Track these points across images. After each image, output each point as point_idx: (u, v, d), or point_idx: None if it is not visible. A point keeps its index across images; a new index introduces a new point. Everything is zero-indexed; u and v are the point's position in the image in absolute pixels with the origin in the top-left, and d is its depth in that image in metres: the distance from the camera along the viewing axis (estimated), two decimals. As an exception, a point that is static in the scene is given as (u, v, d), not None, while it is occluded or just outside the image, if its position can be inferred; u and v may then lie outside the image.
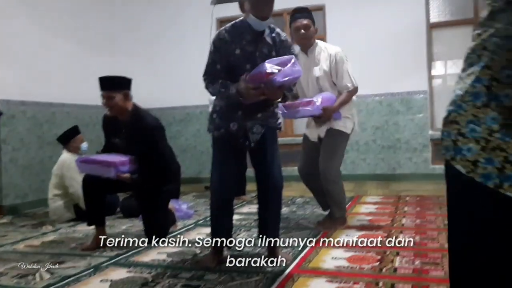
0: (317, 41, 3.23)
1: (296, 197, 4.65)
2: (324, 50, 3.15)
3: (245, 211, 4.09)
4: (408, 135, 5.62)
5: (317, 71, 3.12)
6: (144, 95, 6.37)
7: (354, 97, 3.21)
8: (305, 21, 3.09)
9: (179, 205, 3.82)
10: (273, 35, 2.43)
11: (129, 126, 2.95)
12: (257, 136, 2.41)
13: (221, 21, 6.44)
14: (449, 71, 5.80)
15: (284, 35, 2.48)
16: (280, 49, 2.39)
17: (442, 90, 5.74)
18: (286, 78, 2.11)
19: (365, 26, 5.61)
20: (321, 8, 5.97)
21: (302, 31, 3.08)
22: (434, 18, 5.62)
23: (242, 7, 2.34)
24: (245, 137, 2.40)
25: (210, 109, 3.08)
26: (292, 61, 2.16)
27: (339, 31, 5.75)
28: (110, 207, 3.86)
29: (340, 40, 5.71)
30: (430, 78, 5.67)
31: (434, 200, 4.13)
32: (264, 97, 2.23)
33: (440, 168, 5.45)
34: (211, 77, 2.33)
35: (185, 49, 6.36)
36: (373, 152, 5.73)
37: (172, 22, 6.44)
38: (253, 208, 4.16)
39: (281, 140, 5.96)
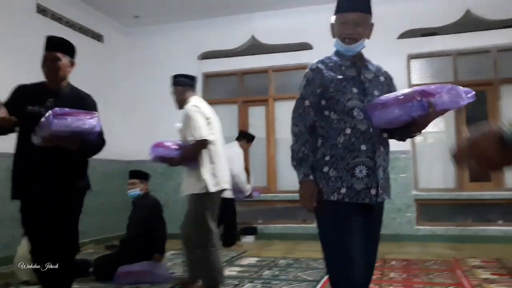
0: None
1: (278, 258, 4.48)
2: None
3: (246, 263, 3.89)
4: (392, 195, 5.55)
5: (179, 124, 3.18)
6: (125, 148, 6.29)
7: (216, 150, 3.13)
8: None
9: (156, 268, 3.63)
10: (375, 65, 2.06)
11: (65, 96, 2.50)
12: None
13: (207, 76, 6.50)
14: (429, 129, 5.87)
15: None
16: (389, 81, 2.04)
17: (424, 149, 5.78)
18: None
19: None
20: (305, 67, 6.05)
21: None
22: (415, 80, 5.75)
23: (332, 32, 2.03)
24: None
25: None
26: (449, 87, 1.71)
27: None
28: (83, 267, 3.64)
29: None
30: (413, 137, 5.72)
31: (420, 265, 4.02)
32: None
33: (424, 229, 5.37)
34: (297, 114, 1.93)
35: (169, 103, 6.34)
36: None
37: (157, 75, 6.46)
38: (252, 260, 4.02)
39: (263, 196, 5.90)
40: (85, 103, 2.48)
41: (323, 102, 1.90)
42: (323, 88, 1.90)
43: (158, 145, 3.23)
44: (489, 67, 5.50)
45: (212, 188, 3.04)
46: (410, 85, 5.65)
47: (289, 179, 6.17)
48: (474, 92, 1.72)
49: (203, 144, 3.04)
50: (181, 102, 3.27)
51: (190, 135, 3.03)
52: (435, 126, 5.85)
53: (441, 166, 5.64)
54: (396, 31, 5.67)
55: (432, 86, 1.72)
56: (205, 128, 3.06)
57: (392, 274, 3.68)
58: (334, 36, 2.01)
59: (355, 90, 1.89)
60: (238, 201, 5.35)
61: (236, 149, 5.46)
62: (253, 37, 6.21)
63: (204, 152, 3.08)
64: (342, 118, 1.85)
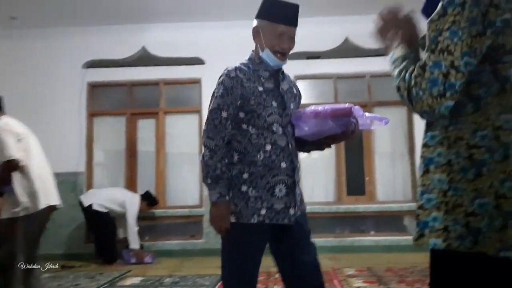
0: None
1: (164, 276, 4.35)
2: None
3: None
4: (278, 209, 5.77)
5: None
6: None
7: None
8: None
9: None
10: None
11: None
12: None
13: (92, 86, 6.16)
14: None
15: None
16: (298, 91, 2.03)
17: (308, 165, 6.11)
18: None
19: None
20: (197, 81, 6.08)
21: None
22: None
23: (256, 36, 1.90)
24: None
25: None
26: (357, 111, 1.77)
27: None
28: None
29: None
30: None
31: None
32: None
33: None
34: (212, 126, 1.76)
35: (54, 113, 5.89)
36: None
37: (42, 84, 5.96)
38: (136, 280, 3.81)
39: (150, 212, 5.71)
40: None
41: (241, 115, 1.78)
42: (243, 99, 1.77)
43: None
44: (364, 90, 6.05)
45: (31, 209, 2.85)
46: (296, 104, 5.96)
47: (178, 195, 6.09)
48: (388, 120, 1.85)
49: (12, 165, 2.82)
50: None
51: (1, 156, 2.81)
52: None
53: (323, 181, 6.01)
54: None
55: (356, 107, 1.77)
56: (15, 147, 2.85)
57: (276, 287, 3.80)
58: (261, 43, 1.86)
59: (274, 103, 1.81)
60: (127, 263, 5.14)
61: (135, 200, 5.34)
62: (144, 48, 6.05)
63: (18, 172, 2.87)
64: (262, 133, 1.77)
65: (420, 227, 1.01)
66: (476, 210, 0.92)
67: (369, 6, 5.38)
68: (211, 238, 5.65)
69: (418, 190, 1.05)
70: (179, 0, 5.31)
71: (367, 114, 1.83)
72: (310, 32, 5.82)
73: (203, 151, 1.78)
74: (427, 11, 1.13)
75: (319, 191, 6.00)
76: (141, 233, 5.71)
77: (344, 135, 1.77)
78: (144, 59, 6.12)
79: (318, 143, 1.88)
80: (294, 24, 1.83)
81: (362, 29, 5.58)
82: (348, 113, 1.72)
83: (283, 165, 1.77)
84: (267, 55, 1.84)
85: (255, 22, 1.88)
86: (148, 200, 5.49)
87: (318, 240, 6.35)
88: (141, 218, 5.57)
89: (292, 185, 1.80)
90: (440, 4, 0.98)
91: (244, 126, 1.78)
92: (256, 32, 1.88)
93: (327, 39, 5.89)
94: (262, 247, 1.80)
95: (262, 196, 1.74)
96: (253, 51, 1.94)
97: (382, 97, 5.97)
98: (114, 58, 6.05)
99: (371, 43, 6.65)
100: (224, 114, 1.76)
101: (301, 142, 1.87)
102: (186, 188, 6.10)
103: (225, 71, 1.84)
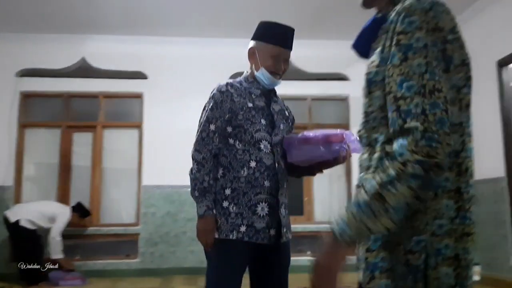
0: None
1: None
2: None
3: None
4: (217, 228, 5.72)
5: None
6: None
7: None
8: None
9: None
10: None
11: None
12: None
13: (26, 95, 5.84)
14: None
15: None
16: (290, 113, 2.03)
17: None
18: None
19: (183, 118, 5.74)
20: (139, 96, 5.96)
21: None
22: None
23: (251, 57, 1.91)
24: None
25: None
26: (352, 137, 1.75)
27: (156, 120, 5.78)
28: None
29: (157, 129, 5.75)
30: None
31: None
32: None
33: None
34: (200, 139, 1.79)
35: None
36: (183, 244, 5.62)
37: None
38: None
39: (83, 230, 5.44)
40: None
41: (229, 129, 1.79)
42: (232, 114, 1.78)
43: None
44: (304, 113, 6.21)
45: None
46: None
47: (113, 212, 5.86)
48: None
49: None
50: None
51: None
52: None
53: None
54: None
55: (347, 132, 1.76)
56: None
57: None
58: (256, 63, 1.88)
59: (263, 121, 1.82)
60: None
61: (66, 211, 5.08)
62: (84, 59, 5.85)
63: None
64: (248, 149, 1.76)
65: None
66: None
67: (313, 31, 5.59)
68: (146, 258, 5.47)
69: None
70: (124, 13, 5.21)
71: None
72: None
73: (191, 165, 1.79)
74: (358, 47, 1.15)
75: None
76: (71, 252, 5.43)
77: (336, 161, 1.77)
78: (84, 70, 5.91)
79: (309, 169, 1.88)
80: (290, 47, 1.87)
81: (304, 53, 5.80)
82: (340, 139, 1.72)
83: (267, 183, 1.75)
84: (262, 74, 1.86)
85: (251, 43, 1.91)
86: (80, 211, 5.23)
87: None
88: (71, 235, 5.30)
89: (276, 205, 1.77)
90: (394, 49, 0.97)
91: (231, 140, 1.79)
92: (252, 53, 1.90)
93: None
94: (241, 265, 1.76)
95: (243, 213, 1.72)
96: (247, 71, 1.95)
97: (321, 120, 6.15)
98: (51, 67, 5.79)
99: (313, 67, 6.86)
100: (212, 127, 1.77)
101: (293, 167, 1.87)
102: (122, 205, 5.90)
103: (217, 85, 1.85)
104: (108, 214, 5.83)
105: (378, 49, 1.03)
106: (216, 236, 1.73)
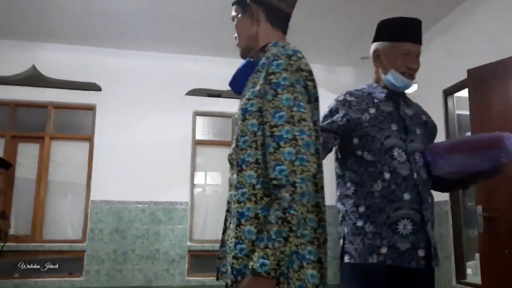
0: None
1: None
2: None
3: None
4: (167, 246, 5.60)
5: None
6: None
7: None
8: None
9: None
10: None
11: None
12: None
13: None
14: (208, 182, 6.28)
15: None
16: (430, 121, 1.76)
17: (200, 201, 6.05)
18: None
19: (136, 132, 5.65)
20: (92, 108, 5.79)
21: None
22: (198, 136, 6.09)
23: (376, 60, 1.72)
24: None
25: None
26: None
27: (108, 134, 5.63)
28: None
29: (109, 142, 5.60)
30: (192, 189, 5.94)
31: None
32: None
33: (195, 280, 5.53)
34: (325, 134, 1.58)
35: None
36: (130, 262, 5.45)
37: None
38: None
39: (25, 246, 5.15)
40: None
41: (355, 141, 1.59)
42: (354, 122, 1.59)
43: None
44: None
45: None
46: (194, 140, 5.95)
47: (58, 228, 5.60)
48: None
49: None
50: None
51: None
52: (214, 179, 6.25)
53: (216, 218, 5.98)
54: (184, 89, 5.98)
55: (506, 134, 1.47)
56: None
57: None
58: (383, 66, 1.68)
59: (394, 127, 1.60)
60: None
61: None
62: (34, 67, 5.63)
63: None
64: (379, 159, 1.54)
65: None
66: None
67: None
68: (91, 276, 5.25)
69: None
70: (78, 22, 5.07)
71: None
72: (212, 71, 5.94)
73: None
74: (235, 86, 1.39)
75: (210, 229, 5.95)
76: (9, 270, 5.12)
77: (495, 171, 1.45)
78: (33, 78, 5.68)
79: (460, 181, 1.61)
80: (419, 41, 1.67)
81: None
82: (496, 143, 1.42)
83: (406, 196, 1.50)
84: (392, 76, 1.65)
85: (373, 47, 1.73)
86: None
87: (206, 279, 6.20)
88: (10, 252, 5.00)
89: (421, 222, 1.51)
90: (267, 87, 1.16)
91: (359, 152, 1.58)
92: (376, 57, 1.71)
93: (228, 79, 6.02)
94: None
95: (382, 232, 1.48)
96: (372, 79, 1.77)
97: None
98: (-2, 74, 5.54)
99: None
100: (324, 133, 1.58)
101: (439, 180, 1.61)
102: (68, 220, 5.65)
103: (336, 96, 1.70)
104: (52, 229, 5.56)
105: (250, 86, 1.24)
106: (348, 260, 1.51)
